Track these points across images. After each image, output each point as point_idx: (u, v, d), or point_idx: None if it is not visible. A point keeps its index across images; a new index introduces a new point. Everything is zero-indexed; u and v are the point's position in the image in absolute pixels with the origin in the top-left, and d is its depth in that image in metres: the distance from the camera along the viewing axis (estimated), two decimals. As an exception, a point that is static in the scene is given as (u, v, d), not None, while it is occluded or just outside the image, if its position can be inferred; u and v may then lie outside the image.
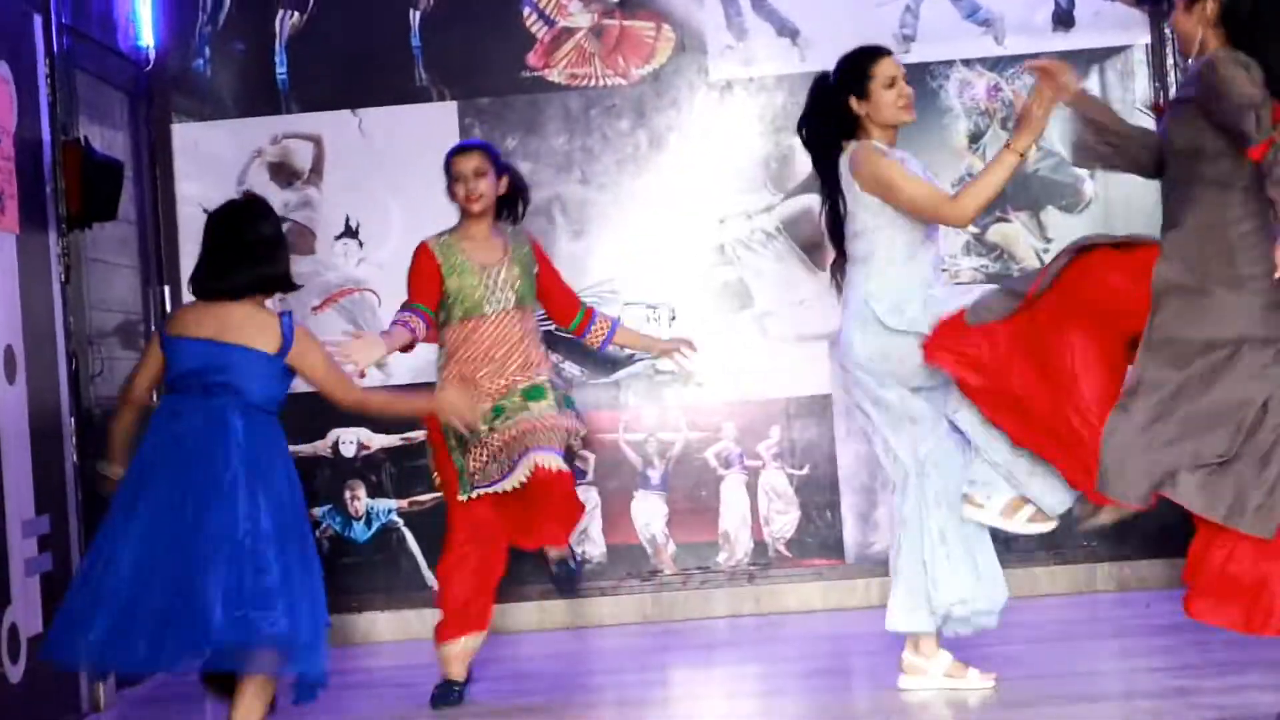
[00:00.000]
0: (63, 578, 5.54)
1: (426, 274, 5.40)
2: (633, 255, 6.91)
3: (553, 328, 5.80)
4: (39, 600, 5.43)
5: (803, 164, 6.56)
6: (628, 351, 6.71)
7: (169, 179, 6.86)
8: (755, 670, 6.02)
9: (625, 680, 5.91)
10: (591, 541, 6.85)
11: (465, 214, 5.46)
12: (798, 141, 6.22)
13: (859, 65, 5.04)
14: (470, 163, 5.44)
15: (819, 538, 6.88)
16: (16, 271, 5.39)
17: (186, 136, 6.88)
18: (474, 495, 5.42)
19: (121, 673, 5.16)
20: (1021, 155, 4.82)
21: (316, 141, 6.91)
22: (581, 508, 5.81)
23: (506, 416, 5.36)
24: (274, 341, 4.22)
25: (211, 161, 6.89)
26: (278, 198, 6.82)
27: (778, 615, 6.74)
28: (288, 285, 4.39)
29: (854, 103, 4.98)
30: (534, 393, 5.41)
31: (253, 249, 4.31)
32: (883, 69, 5.01)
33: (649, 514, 6.89)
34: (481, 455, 5.39)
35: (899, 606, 4.98)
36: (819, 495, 6.86)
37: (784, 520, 6.84)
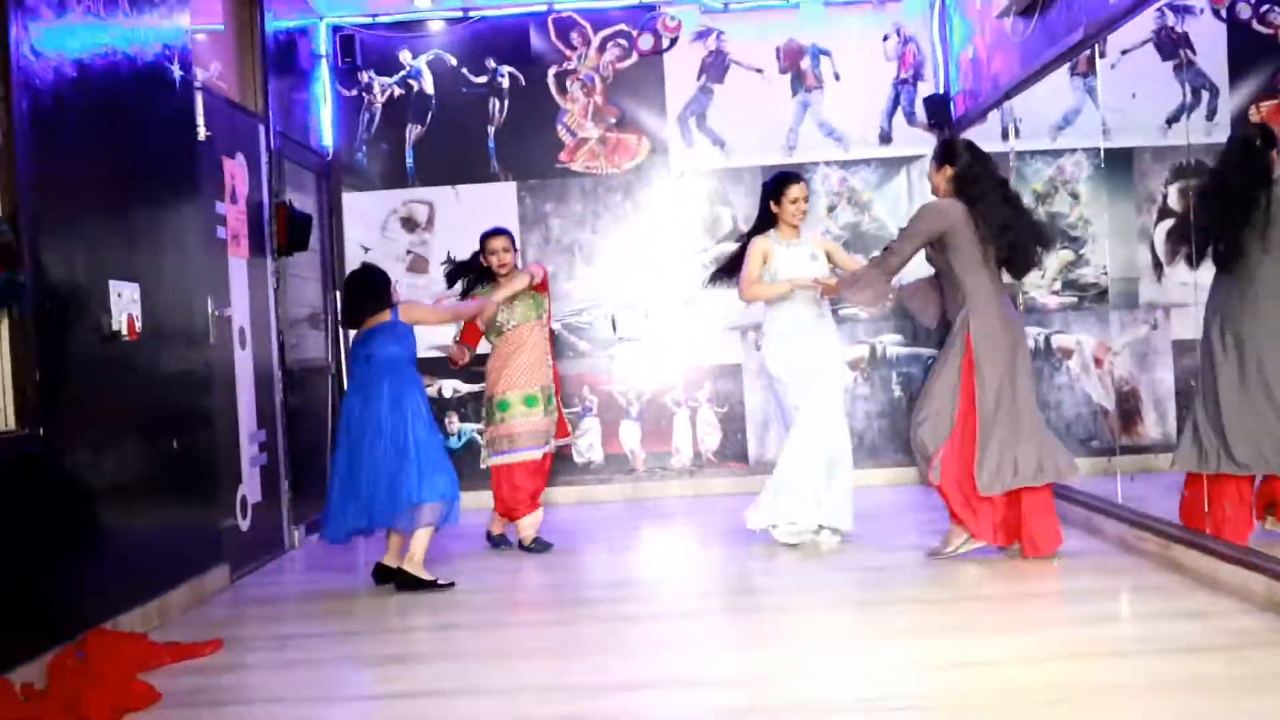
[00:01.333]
0: (273, 468, 6.69)
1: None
2: (621, 276, 8.23)
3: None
4: (259, 481, 6.47)
5: (726, 224, 8.16)
6: (618, 335, 8.21)
7: (340, 226, 8.16)
8: (693, 529, 7.07)
9: (613, 534, 7.03)
10: (595, 450, 8.22)
11: (494, 275, 6.29)
12: (725, 209, 8.17)
13: (779, 184, 5.96)
14: (500, 242, 6.29)
15: (732, 451, 8.17)
16: (247, 281, 6.42)
17: (351, 200, 8.22)
18: (490, 463, 6.28)
19: (356, 535, 5.60)
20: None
21: (430, 205, 8.24)
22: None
23: (511, 412, 6.19)
24: (387, 317, 5.57)
25: (365, 216, 8.23)
26: (406, 239, 8.23)
27: (707, 497, 8.00)
28: (387, 305, 5.60)
29: (773, 204, 5.95)
30: (530, 400, 6.22)
31: (369, 293, 5.61)
32: (790, 191, 5.90)
33: (630, 435, 8.27)
34: (493, 433, 6.25)
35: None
36: (733, 424, 8.20)
37: (712, 439, 8.21)
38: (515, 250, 6.41)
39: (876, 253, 5.69)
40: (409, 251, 8.31)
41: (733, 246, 7.70)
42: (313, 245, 7.58)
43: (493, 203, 8.20)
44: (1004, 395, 5.15)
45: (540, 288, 6.36)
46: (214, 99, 6.14)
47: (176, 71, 5.58)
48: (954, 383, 5.24)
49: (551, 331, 6.67)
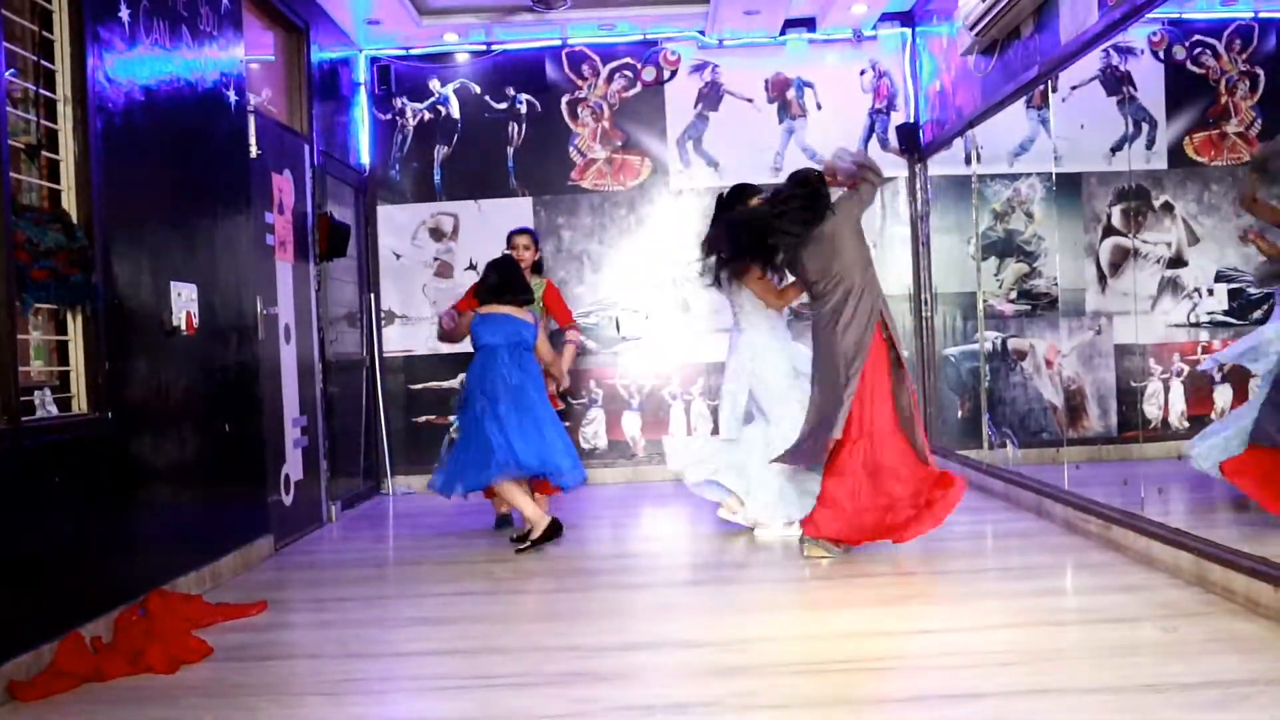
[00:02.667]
0: (313, 450, 6.66)
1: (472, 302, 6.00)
2: (626, 282, 8.26)
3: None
4: (301, 461, 6.48)
5: None
6: (622, 334, 8.23)
7: (374, 235, 8.22)
8: (686, 509, 6.89)
9: (616, 513, 7.11)
10: (599, 438, 8.25)
11: None
12: None
13: (740, 194, 5.78)
14: (523, 239, 6.36)
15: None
16: (292, 283, 6.46)
17: (385, 212, 8.25)
18: None
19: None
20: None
21: (455, 217, 8.29)
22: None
23: None
24: (529, 317, 5.78)
25: (397, 226, 8.27)
26: (433, 248, 8.23)
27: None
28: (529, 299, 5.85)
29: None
30: None
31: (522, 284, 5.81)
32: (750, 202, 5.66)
33: (631, 424, 8.29)
34: None
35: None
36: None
37: (704, 428, 8.18)
38: (537, 249, 6.43)
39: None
40: (435, 259, 8.34)
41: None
42: (350, 252, 7.62)
43: (511, 215, 8.17)
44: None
45: (552, 302, 6.42)
46: (265, 121, 6.17)
47: (232, 97, 5.63)
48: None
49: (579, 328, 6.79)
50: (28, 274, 3.78)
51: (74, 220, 4.10)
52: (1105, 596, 4.17)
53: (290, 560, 5.76)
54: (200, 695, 3.45)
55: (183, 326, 4.88)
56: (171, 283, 4.82)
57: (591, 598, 4.60)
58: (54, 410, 3.98)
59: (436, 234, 8.38)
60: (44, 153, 4.04)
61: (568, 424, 7.57)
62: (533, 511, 5.56)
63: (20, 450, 3.66)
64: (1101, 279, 8.01)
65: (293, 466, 6.38)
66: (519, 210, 8.31)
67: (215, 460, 5.25)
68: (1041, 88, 6.08)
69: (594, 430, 8.37)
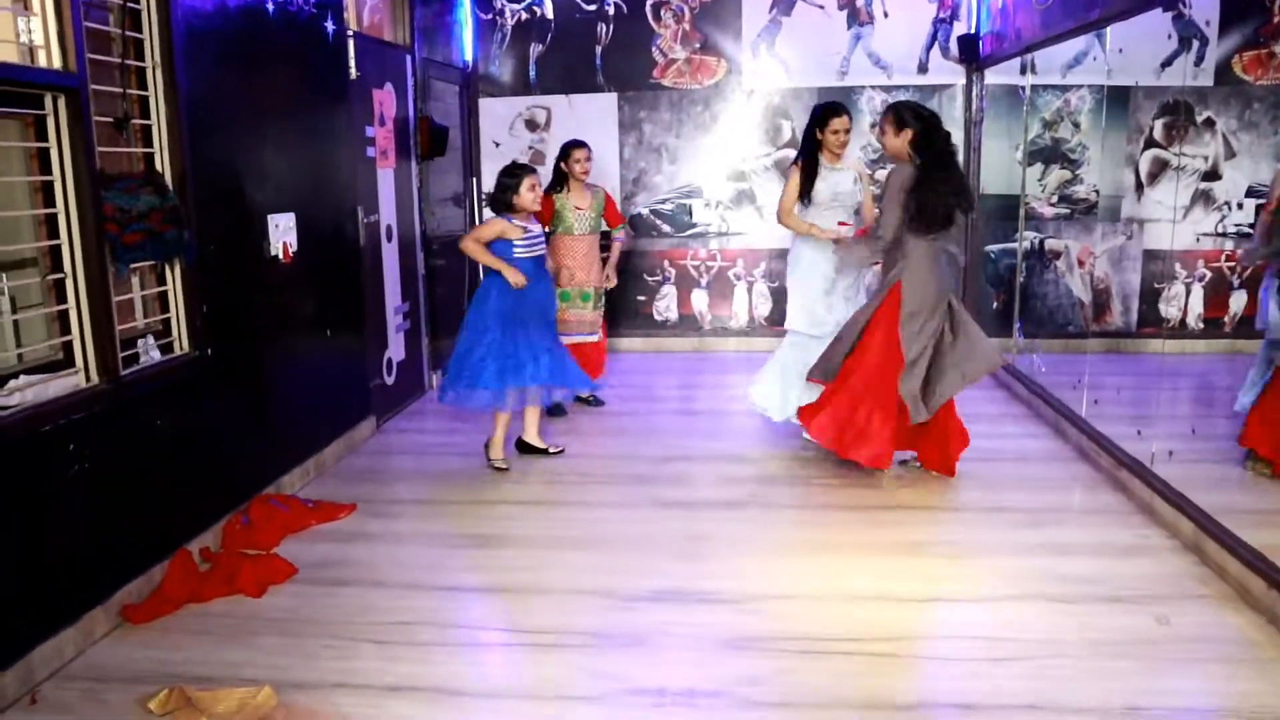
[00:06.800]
0: (414, 333, 6.30)
1: (548, 211, 5.66)
2: (699, 174, 7.65)
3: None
4: (403, 343, 6.15)
5: (786, 133, 7.49)
6: (694, 220, 7.68)
7: (476, 126, 7.67)
8: (743, 376, 6.61)
9: (683, 381, 6.98)
10: (671, 311, 7.81)
11: (574, 178, 5.69)
12: (785, 121, 7.58)
13: (825, 114, 4.94)
14: (584, 152, 5.72)
15: (779, 318, 7.39)
16: (394, 186, 5.98)
17: (485, 104, 7.68)
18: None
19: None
20: (806, 233, 4.91)
21: (548, 110, 7.67)
22: (602, 365, 5.99)
23: (570, 302, 5.74)
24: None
25: (497, 118, 7.70)
26: (528, 137, 7.67)
27: (757, 353, 7.41)
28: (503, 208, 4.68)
29: (818, 132, 4.93)
30: (585, 296, 5.80)
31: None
32: (834, 123, 4.89)
33: (700, 301, 7.82)
34: (560, 318, 5.53)
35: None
36: (781, 297, 7.42)
37: (764, 308, 7.77)
38: (592, 159, 5.87)
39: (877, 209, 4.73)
40: (530, 148, 7.79)
41: (789, 152, 7.36)
42: (454, 143, 7.14)
43: (598, 110, 7.63)
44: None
45: (610, 208, 5.94)
46: (365, 42, 5.61)
47: (329, 26, 5.08)
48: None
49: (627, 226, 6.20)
50: (119, 242, 3.44)
51: (166, 181, 3.71)
52: (1107, 563, 3.68)
53: (387, 443, 5.53)
54: (274, 634, 3.25)
55: (280, 255, 4.52)
56: (269, 216, 4.44)
57: (633, 520, 4.24)
58: (157, 356, 3.71)
59: (531, 125, 7.78)
60: (135, 121, 3.61)
61: (643, 298, 7.53)
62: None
63: (122, 402, 3.41)
64: (1139, 188, 7.22)
65: (395, 350, 6.08)
66: (605, 105, 7.66)
67: (318, 364, 4.99)
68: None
69: (666, 304, 7.92)
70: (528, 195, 4.67)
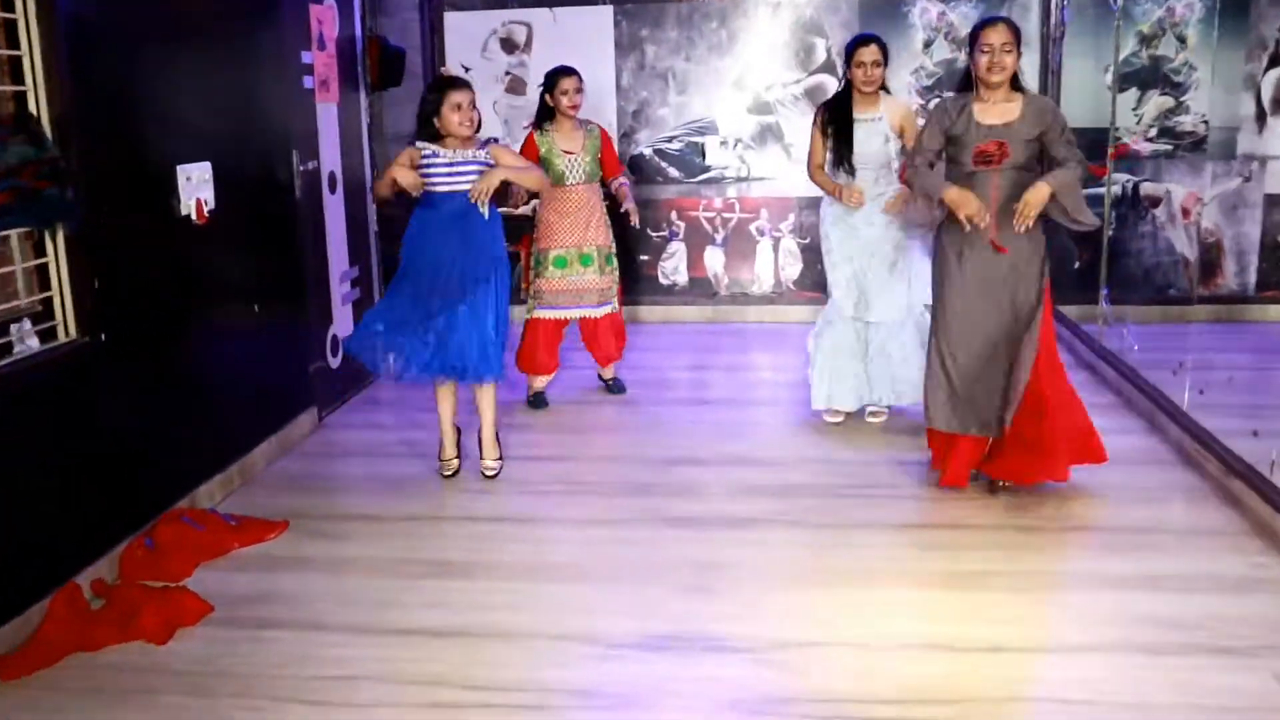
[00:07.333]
0: (365, 303, 6.12)
1: (531, 155, 5.50)
2: (714, 105, 7.53)
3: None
4: (351, 318, 5.97)
5: (819, 55, 7.35)
6: (707, 162, 7.61)
7: (441, 46, 7.55)
8: (767, 354, 6.90)
9: (693, 360, 6.95)
10: (680, 274, 7.74)
11: (561, 114, 5.55)
12: (819, 39, 7.48)
13: (851, 46, 5.05)
14: (571, 82, 5.51)
15: (811, 281, 7.58)
16: (338, 124, 5.87)
17: (453, 20, 7.54)
18: (536, 315, 5.67)
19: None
20: (832, 193, 5.10)
21: (528, 26, 7.54)
22: (623, 340, 5.95)
23: (566, 269, 5.63)
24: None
25: (466, 36, 7.56)
26: (505, 60, 7.54)
27: (785, 323, 7.53)
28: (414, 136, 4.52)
29: (849, 69, 5.04)
30: (586, 259, 5.63)
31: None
32: (859, 54, 4.97)
33: (714, 260, 7.76)
34: (547, 287, 5.64)
35: None
36: (813, 256, 7.45)
37: (793, 269, 7.68)
38: (584, 91, 5.65)
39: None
40: (507, 73, 7.67)
41: (823, 79, 7.20)
42: (414, 69, 7.07)
43: (589, 26, 7.51)
44: None
45: (608, 153, 5.77)
46: (298, -56, 5.46)
47: (252, -74, 4.94)
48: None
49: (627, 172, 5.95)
50: (-20, 205, 3.32)
51: (44, 126, 3.60)
52: (1214, 601, 3.54)
53: (330, 441, 5.45)
54: (181, 692, 3.17)
55: (193, 215, 4.41)
56: (178, 168, 4.33)
57: (628, 542, 4.14)
58: (35, 344, 3.62)
59: (508, 45, 7.65)
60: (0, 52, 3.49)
61: (646, 257, 7.47)
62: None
63: (-12, 402, 3.31)
64: (1260, 117, 7.09)
65: (341, 325, 5.99)
66: (598, 20, 7.55)
67: (245, 347, 4.92)
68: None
69: (674, 265, 7.85)
70: (451, 117, 4.44)
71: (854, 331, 5.21)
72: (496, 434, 4.85)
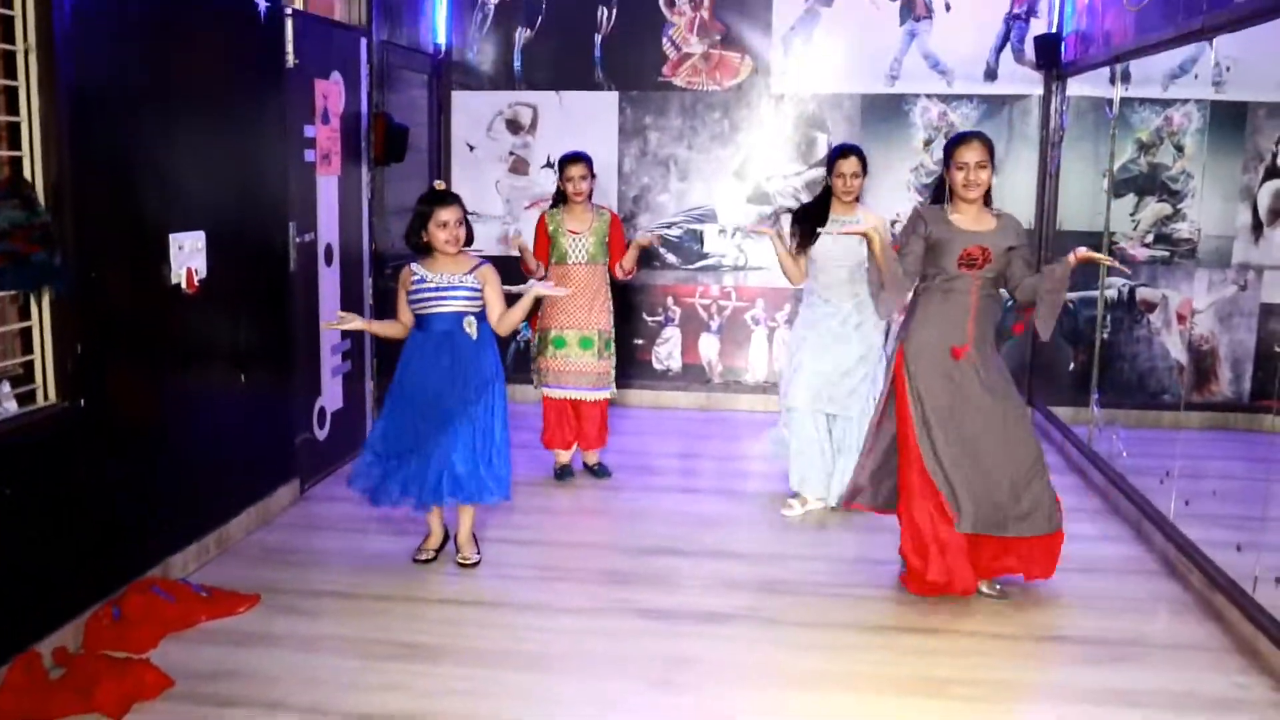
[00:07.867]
0: (356, 376, 6.21)
1: (540, 234, 5.70)
2: (714, 194, 7.59)
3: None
4: (341, 388, 6.05)
5: (821, 149, 7.37)
6: (705, 250, 7.61)
7: (448, 123, 7.63)
8: (758, 446, 6.63)
9: (683, 448, 6.91)
10: (674, 359, 7.72)
11: (569, 200, 5.66)
12: (820, 134, 7.54)
13: (833, 156, 5.25)
14: (579, 169, 5.60)
15: None
16: (337, 196, 5.92)
17: (460, 99, 7.64)
18: (544, 393, 5.80)
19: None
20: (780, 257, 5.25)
21: (534, 108, 7.62)
22: (605, 433, 5.95)
23: (565, 349, 5.70)
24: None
25: (473, 115, 7.65)
26: (509, 140, 7.62)
27: (777, 414, 6.65)
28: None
29: (830, 176, 5.25)
30: (585, 343, 5.71)
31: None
32: (839, 165, 5.18)
33: (709, 347, 7.74)
34: (549, 366, 5.74)
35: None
36: None
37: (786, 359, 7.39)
38: (593, 177, 5.74)
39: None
40: (511, 153, 7.74)
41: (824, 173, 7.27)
42: (419, 144, 7.12)
43: (594, 110, 7.59)
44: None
45: (616, 239, 5.80)
46: (308, 22, 5.58)
47: (261, 2, 5.03)
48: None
49: (640, 254, 5.94)
50: (-31, 267, 3.34)
51: (36, 191, 3.64)
52: None
53: (310, 514, 5.41)
54: (131, 770, 3.11)
55: (183, 284, 4.43)
56: (171, 235, 4.36)
57: (598, 632, 4.09)
58: (12, 408, 3.62)
59: (514, 126, 7.73)
60: (-2, 117, 3.54)
61: (640, 342, 7.47)
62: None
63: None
64: (1256, 227, 7.04)
65: (330, 398, 5.99)
66: (604, 105, 7.62)
67: (228, 417, 4.90)
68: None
69: (668, 351, 7.83)
70: (438, 234, 4.44)
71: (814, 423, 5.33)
72: (473, 533, 4.79)
